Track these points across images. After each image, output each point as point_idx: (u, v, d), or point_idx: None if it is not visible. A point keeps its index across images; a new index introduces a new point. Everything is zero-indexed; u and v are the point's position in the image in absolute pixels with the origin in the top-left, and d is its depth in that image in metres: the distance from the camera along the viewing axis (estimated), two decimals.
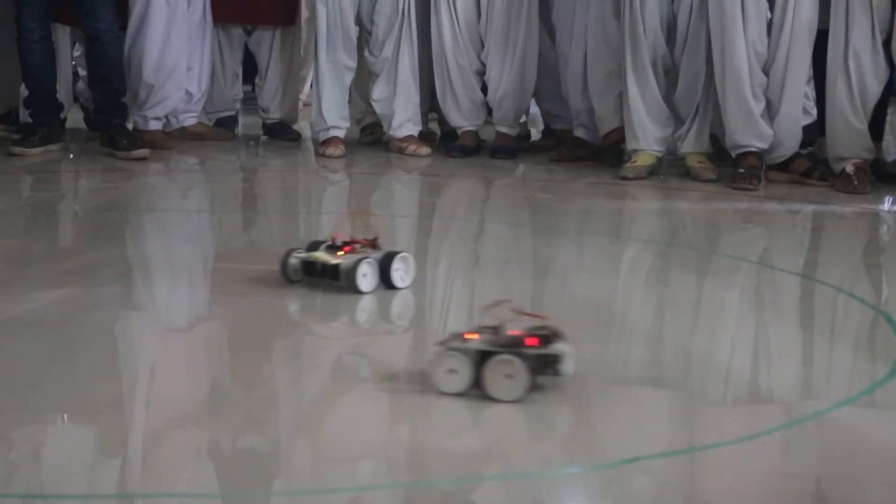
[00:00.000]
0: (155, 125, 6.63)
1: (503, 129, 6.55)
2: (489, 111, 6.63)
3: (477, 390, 2.71)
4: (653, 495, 2.34)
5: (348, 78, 6.56)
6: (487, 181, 5.99)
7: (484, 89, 6.51)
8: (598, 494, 2.33)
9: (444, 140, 6.90)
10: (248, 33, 7.03)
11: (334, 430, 2.58)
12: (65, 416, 2.62)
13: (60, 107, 6.54)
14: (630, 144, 6.04)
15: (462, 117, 6.55)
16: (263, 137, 7.15)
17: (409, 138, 6.57)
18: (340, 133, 6.55)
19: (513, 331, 2.79)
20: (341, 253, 3.65)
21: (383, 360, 3.08)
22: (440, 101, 6.55)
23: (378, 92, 6.56)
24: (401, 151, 6.56)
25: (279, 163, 6.47)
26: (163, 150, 6.46)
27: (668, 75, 5.97)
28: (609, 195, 5.61)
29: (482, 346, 2.74)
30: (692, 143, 5.96)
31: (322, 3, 6.37)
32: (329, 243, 3.69)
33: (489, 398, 2.70)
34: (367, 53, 6.58)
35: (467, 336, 2.78)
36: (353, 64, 6.53)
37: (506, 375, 2.71)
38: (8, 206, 5.21)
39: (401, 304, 3.61)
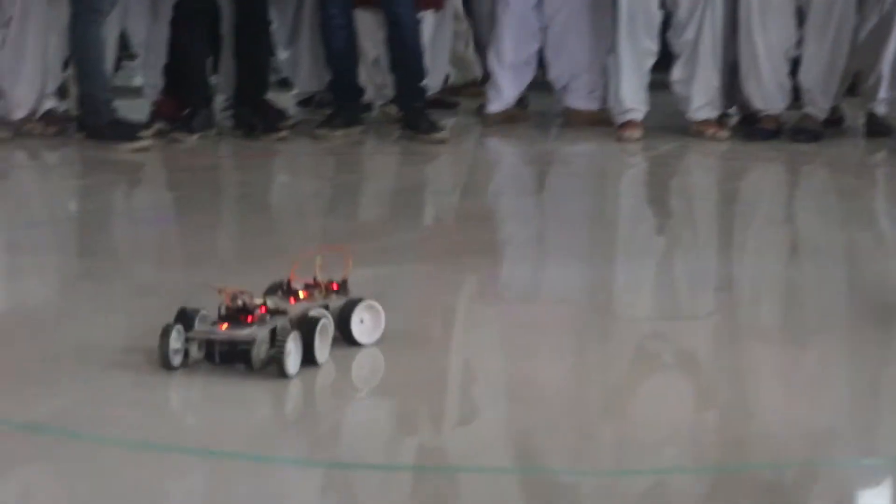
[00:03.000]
0: None
1: (811, 111, 6.38)
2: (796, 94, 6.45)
3: None
4: None
5: (649, 62, 6.48)
6: (791, 166, 5.86)
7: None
8: None
9: (743, 123, 6.77)
10: None
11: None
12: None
13: (361, 91, 6.64)
14: None
15: (764, 101, 6.40)
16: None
17: (707, 122, 6.46)
18: (639, 116, 6.48)
19: None
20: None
21: None
22: (742, 82, 6.42)
23: (677, 73, 6.47)
24: (699, 135, 6.45)
25: (578, 148, 6.44)
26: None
27: None
28: None
29: None
30: None
31: None
32: (285, 287, 2.95)
33: None
34: (669, 34, 6.49)
35: None
36: (654, 48, 6.45)
37: None
38: (314, 188, 5.32)
39: None
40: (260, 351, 2.70)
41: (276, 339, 2.71)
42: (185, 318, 2.79)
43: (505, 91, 6.70)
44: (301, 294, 2.89)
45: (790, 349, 3.11)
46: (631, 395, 2.64)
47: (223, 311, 2.77)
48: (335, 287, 2.96)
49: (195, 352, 2.76)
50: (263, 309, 2.76)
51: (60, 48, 6.12)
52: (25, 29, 5.93)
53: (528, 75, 6.74)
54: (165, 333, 2.73)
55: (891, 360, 2.93)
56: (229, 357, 2.73)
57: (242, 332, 2.71)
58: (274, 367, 2.70)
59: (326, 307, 2.88)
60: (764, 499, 2.21)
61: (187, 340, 2.75)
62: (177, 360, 2.73)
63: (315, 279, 2.93)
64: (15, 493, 2.16)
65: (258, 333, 2.71)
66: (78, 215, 4.73)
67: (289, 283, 2.88)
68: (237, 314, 2.73)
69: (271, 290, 2.90)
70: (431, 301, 3.49)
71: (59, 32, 6.01)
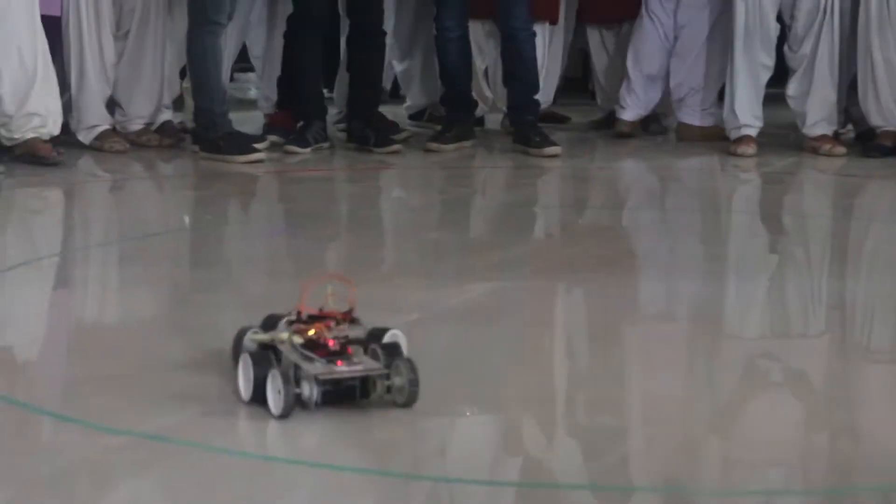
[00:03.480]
0: None
1: None
2: None
3: None
4: None
5: (764, 77, 6.42)
6: None
7: None
8: None
9: (860, 139, 6.68)
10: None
11: None
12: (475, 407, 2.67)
13: (474, 104, 6.65)
14: None
15: (882, 116, 6.32)
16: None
17: (823, 137, 6.39)
18: (753, 132, 6.43)
19: None
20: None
21: None
22: (860, 97, 6.34)
23: (793, 88, 6.41)
24: (814, 151, 6.38)
25: (692, 163, 6.40)
26: None
27: None
28: None
29: None
30: None
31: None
32: (292, 318, 2.73)
33: None
34: (786, 49, 6.44)
35: None
36: (770, 62, 6.39)
37: None
38: (426, 201, 5.34)
39: None
40: (395, 382, 2.60)
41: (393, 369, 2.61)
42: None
43: (642, 99, 6.71)
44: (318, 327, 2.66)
45: None
46: (739, 414, 2.62)
47: (304, 339, 2.61)
48: (347, 317, 2.72)
49: (310, 391, 2.57)
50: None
51: (178, 60, 6.21)
52: (143, 42, 6.01)
53: (661, 87, 6.73)
54: (267, 378, 2.57)
55: None
56: (349, 393, 2.59)
57: (373, 366, 2.61)
58: (395, 396, 2.60)
59: (346, 338, 2.68)
60: None
61: (299, 382, 2.56)
62: (284, 405, 2.54)
63: (322, 309, 2.70)
64: (127, 503, 2.19)
65: (387, 365, 2.61)
66: (192, 227, 4.78)
67: (299, 313, 2.69)
68: (343, 348, 2.61)
69: (270, 323, 2.75)
70: (542, 316, 3.50)
71: (176, 44, 6.10)
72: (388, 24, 6.49)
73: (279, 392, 2.54)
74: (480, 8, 6.46)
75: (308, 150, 6.04)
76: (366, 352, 2.68)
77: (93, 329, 3.36)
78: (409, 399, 2.59)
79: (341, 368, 2.57)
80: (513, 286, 3.70)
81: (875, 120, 6.36)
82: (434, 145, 6.31)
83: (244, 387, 2.62)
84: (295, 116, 6.21)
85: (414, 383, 2.58)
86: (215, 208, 5.06)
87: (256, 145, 5.85)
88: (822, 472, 2.42)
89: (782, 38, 6.33)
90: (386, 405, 2.59)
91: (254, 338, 2.73)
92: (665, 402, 2.75)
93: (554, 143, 6.22)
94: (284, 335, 2.65)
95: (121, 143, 5.88)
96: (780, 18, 6.36)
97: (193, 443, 2.42)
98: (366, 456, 2.43)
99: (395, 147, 6.18)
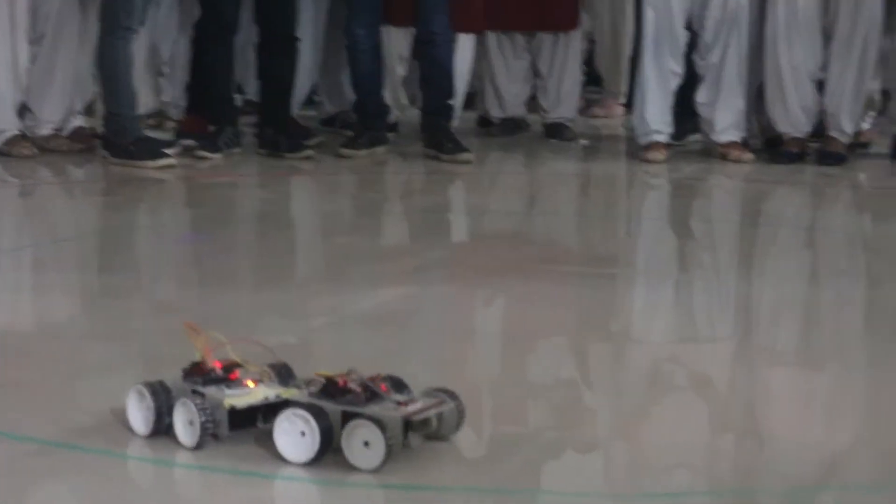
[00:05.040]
0: None
1: (834, 134, 6.37)
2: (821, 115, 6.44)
3: None
4: None
5: (674, 83, 6.48)
6: (816, 189, 5.85)
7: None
8: None
9: (767, 146, 6.76)
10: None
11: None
12: None
13: (386, 111, 6.66)
14: None
15: (789, 123, 6.40)
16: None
17: (731, 144, 6.46)
18: (662, 138, 6.48)
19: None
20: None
21: None
22: (768, 104, 6.42)
23: (702, 95, 6.47)
24: (723, 157, 6.45)
25: (603, 167, 6.45)
26: None
27: None
28: None
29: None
30: None
31: (651, 6, 6.33)
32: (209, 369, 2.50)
33: None
34: (695, 56, 6.50)
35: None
36: (679, 70, 6.45)
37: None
38: (338, 206, 5.34)
39: None
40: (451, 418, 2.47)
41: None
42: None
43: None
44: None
45: (807, 372, 3.11)
46: (645, 418, 2.65)
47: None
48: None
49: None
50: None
51: (92, 65, 6.16)
52: (57, 46, 5.97)
53: None
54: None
55: None
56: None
57: (431, 402, 2.44)
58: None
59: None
60: None
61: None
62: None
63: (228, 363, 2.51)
64: None
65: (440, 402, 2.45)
66: (101, 232, 4.75)
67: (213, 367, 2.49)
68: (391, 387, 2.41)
69: (192, 374, 2.50)
70: (453, 321, 3.51)
71: (91, 50, 6.05)
72: (302, 31, 6.48)
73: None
74: (399, 16, 6.48)
75: (219, 155, 6.02)
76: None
77: (2, 335, 3.33)
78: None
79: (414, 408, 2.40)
80: (424, 291, 3.71)
81: (782, 127, 6.44)
82: (346, 151, 6.31)
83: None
84: (206, 122, 6.19)
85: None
86: (125, 214, 5.03)
87: (167, 150, 5.83)
88: (727, 475, 2.45)
89: (692, 46, 6.39)
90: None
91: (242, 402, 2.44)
92: (572, 406, 2.78)
93: (466, 150, 6.24)
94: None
95: (29, 148, 5.83)
96: (689, 27, 6.42)
97: (104, 450, 2.41)
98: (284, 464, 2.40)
99: (307, 153, 6.18)
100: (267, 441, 2.38)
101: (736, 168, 6.28)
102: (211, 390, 2.45)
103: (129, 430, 2.48)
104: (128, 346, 3.12)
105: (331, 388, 2.39)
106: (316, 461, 2.32)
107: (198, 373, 2.49)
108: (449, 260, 4.27)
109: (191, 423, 2.41)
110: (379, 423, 2.30)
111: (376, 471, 2.28)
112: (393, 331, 3.27)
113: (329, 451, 2.33)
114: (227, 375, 2.48)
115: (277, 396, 2.45)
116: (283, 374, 2.55)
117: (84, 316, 3.54)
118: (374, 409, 2.34)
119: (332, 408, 2.35)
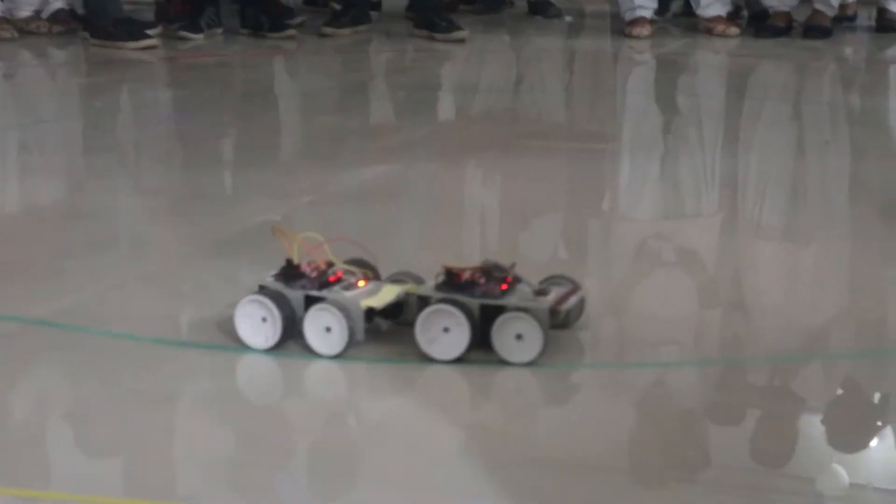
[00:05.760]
0: None
1: (820, 7, 6.34)
2: None
3: None
4: None
5: None
6: (801, 63, 5.83)
7: None
8: None
9: (753, 21, 6.73)
10: None
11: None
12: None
13: None
14: None
15: None
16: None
17: (717, 18, 6.43)
18: (647, 13, 6.45)
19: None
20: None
21: None
22: None
23: None
24: (708, 32, 6.43)
25: (588, 43, 6.41)
26: None
27: None
28: None
29: None
30: None
31: None
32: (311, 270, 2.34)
33: None
34: None
35: None
36: None
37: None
38: (321, 86, 5.31)
39: None
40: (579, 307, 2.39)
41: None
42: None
43: None
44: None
45: (793, 245, 3.12)
46: (632, 293, 2.65)
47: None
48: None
49: None
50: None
51: None
52: None
53: None
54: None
55: (891, 257, 2.94)
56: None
57: (564, 291, 2.34)
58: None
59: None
60: (763, 390, 2.23)
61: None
62: None
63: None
64: (25, 388, 2.18)
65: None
66: (84, 114, 4.73)
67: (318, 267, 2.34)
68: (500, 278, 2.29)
69: (292, 277, 2.32)
70: (439, 196, 3.51)
71: None
72: None
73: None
74: None
75: (201, 35, 5.97)
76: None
77: None
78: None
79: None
80: (409, 168, 3.71)
81: (768, 1, 6.41)
82: (329, 30, 6.27)
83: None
84: (188, 2, 6.13)
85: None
86: (107, 95, 5.00)
87: (148, 31, 5.78)
88: (713, 347, 2.46)
89: None
90: None
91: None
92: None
93: (460, 28, 6.20)
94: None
95: (9, 30, 5.79)
96: None
97: (89, 328, 2.41)
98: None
99: (290, 32, 6.13)
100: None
101: (721, 43, 6.27)
102: (327, 293, 2.28)
103: (122, 300, 2.48)
104: (113, 227, 3.12)
105: (455, 281, 2.28)
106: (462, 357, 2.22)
107: (297, 276, 2.31)
108: (435, 137, 4.25)
109: (328, 329, 2.25)
110: (535, 314, 2.21)
111: (531, 364, 2.22)
112: (378, 208, 3.26)
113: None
114: (330, 277, 2.32)
115: (406, 293, 2.32)
116: (372, 269, 2.41)
117: (68, 197, 3.53)
118: (512, 300, 2.25)
119: (471, 301, 2.25)
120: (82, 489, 1.78)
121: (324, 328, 2.25)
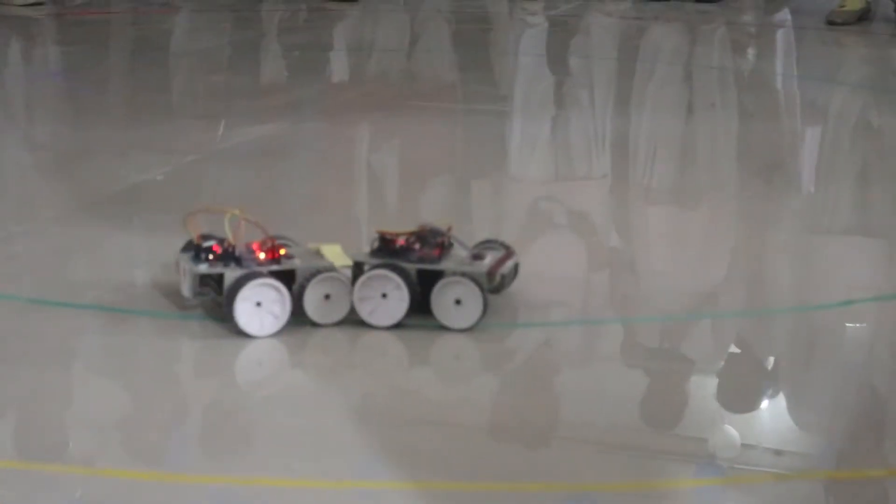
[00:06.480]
0: None
1: None
2: None
3: None
4: None
5: None
6: (692, 26, 5.87)
7: None
8: None
9: None
10: None
11: None
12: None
13: None
14: None
15: None
16: None
17: None
18: None
19: None
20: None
21: None
22: None
23: None
24: None
25: (479, 6, 6.40)
26: None
27: None
28: (820, 41, 5.46)
29: None
30: None
31: None
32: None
33: None
34: None
35: None
36: None
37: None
38: (212, 44, 5.25)
39: None
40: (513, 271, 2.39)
41: None
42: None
43: None
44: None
45: (681, 208, 3.14)
46: (523, 254, 2.66)
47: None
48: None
49: None
50: None
51: None
52: None
53: None
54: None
55: (772, 217, 2.98)
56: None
57: (500, 255, 2.34)
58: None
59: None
60: (654, 348, 2.25)
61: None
62: None
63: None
64: None
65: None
66: None
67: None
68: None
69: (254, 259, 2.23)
70: (325, 154, 3.49)
71: None
72: None
73: None
74: None
75: None
76: None
77: None
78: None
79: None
80: (296, 127, 3.68)
81: None
82: None
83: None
84: None
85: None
86: None
87: None
88: (604, 307, 2.47)
89: None
90: None
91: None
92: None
93: None
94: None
95: None
96: None
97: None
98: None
99: None
100: None
101: (613, 5, 6.27)
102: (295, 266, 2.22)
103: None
104: (1, 184, 3.07)
105: (390, 247, 2.25)
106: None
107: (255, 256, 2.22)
108: (324, 97, 4.22)
109: (327, 297, 2.23)
110: (474, 279, 2.21)
111: (471, 329, 2.21)
112: (264, 167, 3.24)
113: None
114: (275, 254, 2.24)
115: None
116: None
117: None
118: (449, 265, 2.24)
119: (409, 266, 2.23)
120: None
121: (322, 297, 2.21)
